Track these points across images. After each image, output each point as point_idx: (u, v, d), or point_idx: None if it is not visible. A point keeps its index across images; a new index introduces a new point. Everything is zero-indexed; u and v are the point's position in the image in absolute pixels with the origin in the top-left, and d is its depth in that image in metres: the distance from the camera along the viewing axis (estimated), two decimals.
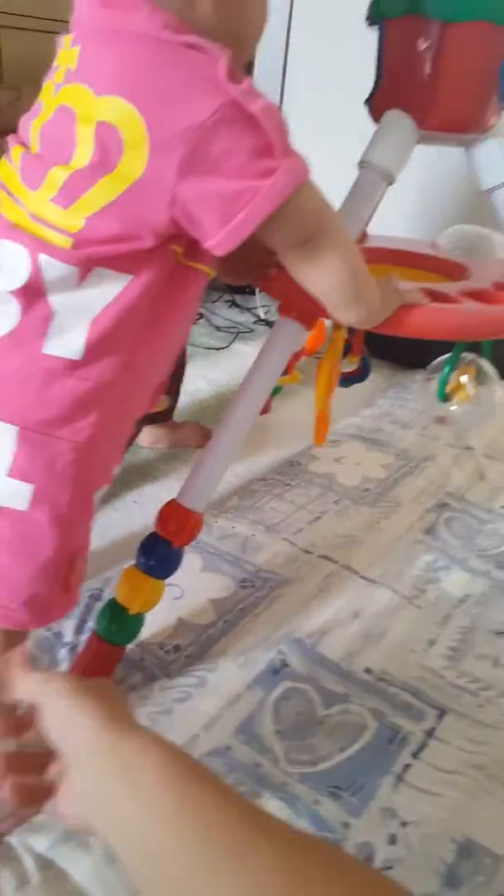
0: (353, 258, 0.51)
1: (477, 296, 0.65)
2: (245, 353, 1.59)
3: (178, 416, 1.16)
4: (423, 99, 0.63)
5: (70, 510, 0.49)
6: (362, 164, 0.64)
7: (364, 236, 0.87)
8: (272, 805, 0.58)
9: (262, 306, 1.83)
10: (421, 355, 1.44)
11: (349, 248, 0.51)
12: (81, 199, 0.43)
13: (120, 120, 0.42)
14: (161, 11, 0.42)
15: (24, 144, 0.47)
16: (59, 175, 0.44)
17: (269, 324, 1.78)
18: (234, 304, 1.87)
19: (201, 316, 1.75)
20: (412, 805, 0.60)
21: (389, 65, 0.64)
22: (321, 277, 0.50)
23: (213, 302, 1.87)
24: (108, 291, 0.45)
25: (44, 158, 0.45)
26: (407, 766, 0.63)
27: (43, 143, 0.46)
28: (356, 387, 1.04)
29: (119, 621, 0.66)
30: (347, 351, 0.91)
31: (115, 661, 0.68)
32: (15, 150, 0.47)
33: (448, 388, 0.84)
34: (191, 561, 0.87)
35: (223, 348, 1.59)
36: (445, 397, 0.84)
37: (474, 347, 0.84)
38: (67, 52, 0.45)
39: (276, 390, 1.19)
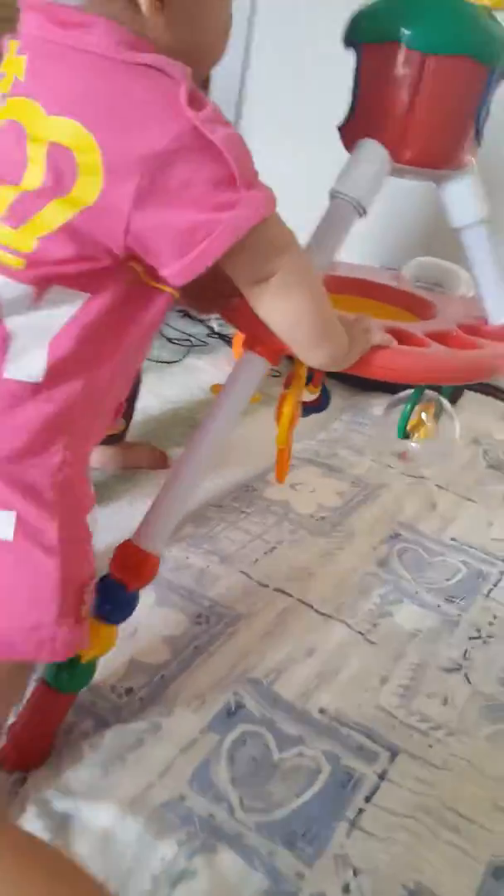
0: (319, 298, 0.51)
1: (443, 338, 0.66)
2: (198, 367, 1.57)
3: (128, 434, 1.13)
4: (398, 131, 0.62)
5: (63, 537, 0.47)
6: (334, 195, 0.64)
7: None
8: (227, 858, 0.58)
9: (217, 318, 1.81)
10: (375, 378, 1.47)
11: (315, 288, 0.51)
12: (32, 221, 0.42)
13: (74, 143, 0.41)
14: (116, 29, 0.41)
15: None
16: (7, 194, 0.43)
17: (224, 337, 1.76)
18: (186, 314, 1.84)
19: None
20: (365, 851, 0.60)
21: (365, 92, 0.63)
22: (285, 316, 0.50)
23: None
24: (65, 311, 0.44)
25: None
26: (360, 811, 0.64)
27: None
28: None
29: (70, 669, 0.64)
30: (309, 380, 0.91)
31: (65, 709, 0.66)
32: None
33: (409, 426, 0.85)
34: (144, 595, 0.85)
35: (175, 362, 1.57)
36: (406, 434, 0.86)
37: (435, 385, 0.86)
38: (13, 59, 0.44)
39: None
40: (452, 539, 1.06)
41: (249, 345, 0.66)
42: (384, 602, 0.90)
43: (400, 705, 0.75)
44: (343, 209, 0.63)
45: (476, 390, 1.60)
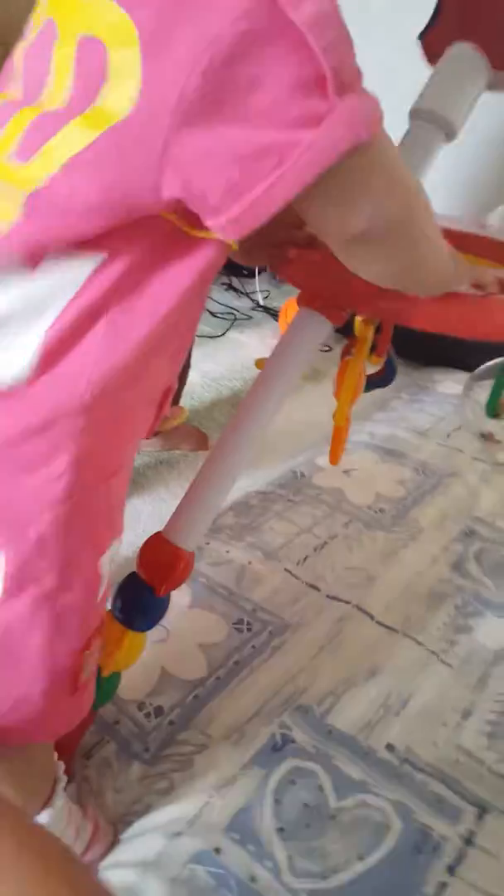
0: (434, 230, 0.37)
1: None
2: (241, 342, 1.45)
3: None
4: (499, 29, 0.49)
5: (62, 586, 0.35)
6: (417, 114, 0.50)
7: None
8: None
9: (262, 291, 1.68)
10: (439, 350, 1.31)
11: (431, 221, 0.37)
12: (42, 151, 0.29)
13: (108, 33, 0.28)
14: None
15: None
16: (23, 119, 0.30)
17: (270, 310, 1.63)
18: (230, 287, 1.72)
19: None
20: None
21: None
22: (399, 251, 0.36)
23: None
24: (71, 280, 0.31)
25: (17, 102, 0.32)
26: (443, 886, 0.50)
27: (25, 79, 0.32)
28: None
29: None
30: (372, 349, 0.77)
31: (84, 728, 0.55)
32: None
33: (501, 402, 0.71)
34: (179, 594, 0.73)
35: (218, 336, 1.45)
36: (496, 413, 0.71)
37: None
38: None
39: None
40: None
41: (307, 301, 0.52)
42: (461, 614, 0.76)
43: (488, 747, 0.61)
44: (427, 133, 0.50)
45: None
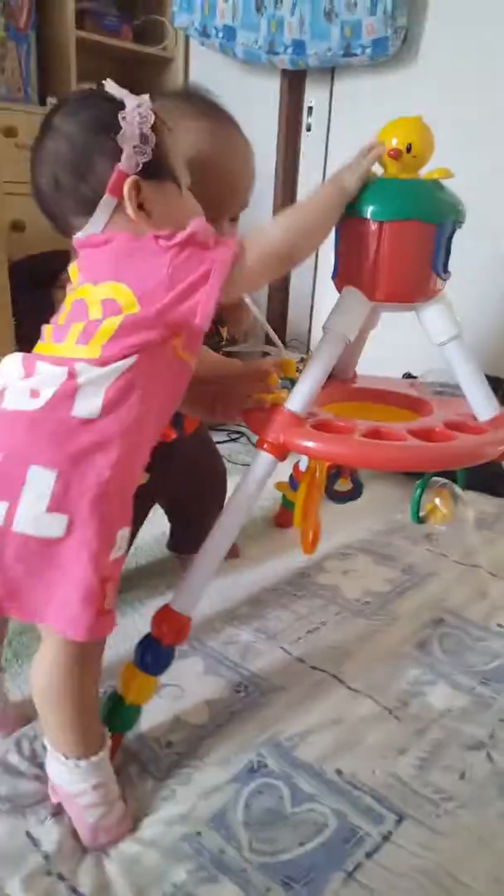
0: (309, 212, 0.72)
1: (425, 433, 0.77)
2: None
3: None
4: (370, 278, 0.78)
5: (96, 540, 0.62)
6: (325, 329, 0.81)
7: (354, 376, 1.03)
8: (228, 890, 0.66)
9: None
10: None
11: (307, 221, 0.72)
12: (96, 335, 0.64)
13: (114, 293, 0.65)
14: (126, 233, 0.67)
15: (53, 324, 0.70)
16: (79, 326, 0.66)
17: None
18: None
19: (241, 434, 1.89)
20: None
21: (343, 252, 0.81)
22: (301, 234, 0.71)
23: None
24: (118, 369, 0.64)
25: (65, 327, 0.67)
26: (359, 865, 0.69)
27: (67, 320, 0.68)
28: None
29: (114, 711, 0.78)
30: (339, 475, 1.03)
31: (115, 746, 0.79)
32: (47, 329, 0.69)
33: (423, 512, 0.94)
34: (195, 663, 0.98)
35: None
36: (420, 519, 0.95)
37: (447, 472, 0.95)
38: (73, 270, 0.71)
39: (287, 504, 1.32)
40: (499, 625, 1.08)
41: (259, 444, 0.81)
42: (417, 682, 0.95)
43: (416, 776, 0.80)
44: (331, 339, 0.80)
45: None
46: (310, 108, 1.92)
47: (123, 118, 0.64)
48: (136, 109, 0.65)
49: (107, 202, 0.66)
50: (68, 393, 0.62)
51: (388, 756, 0.82)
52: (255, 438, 0.82)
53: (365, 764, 0.81)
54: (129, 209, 0.66)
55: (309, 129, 1.93)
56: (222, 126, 0.87)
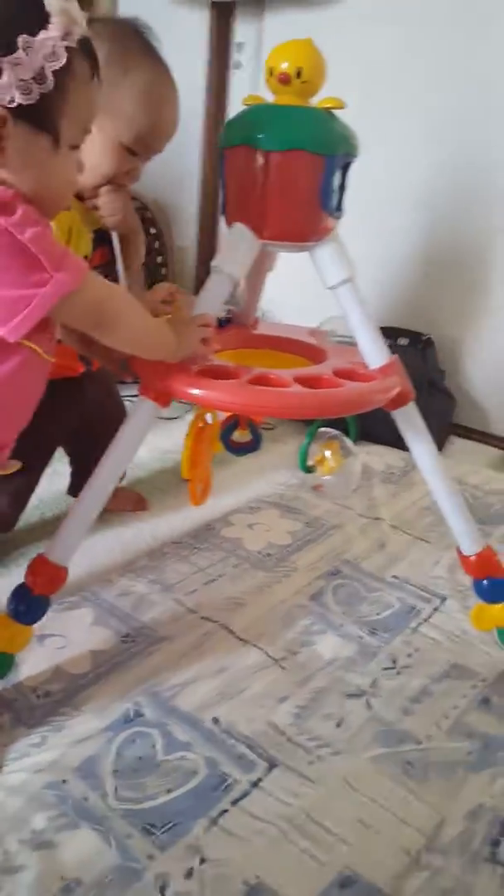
0: (142, 325, 0.67)
1: (306, 380, 0.75)
2: None
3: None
4: (257, 215, 0.74)
5: None
6: (214, 269, 0.76)
7: (255, 322, 0.99)
8: (87, 836, 0.65)
9: None
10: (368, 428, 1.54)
11: (137, 320, 0.66)
12: None
13: None
14: None
15: None
16: None
17: None
18: None
19: None
20: (218, 847, 0.65)
21: (229, 186, 0.76)
22: (123, 343, 0.67)
23: None
24: None
25: None
26: (224, 812, 0.69)
27: None
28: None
29: None
30: (236, 426, 1.01)
31: None
32: None
33: (311, 461, 0.93)
34: (84, 615, 0.95)
35: (175, 418, 1.70)
36: (308, 469, 0.94)
37: (336, 423, 0.94)
38: None
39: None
40: (394, 577, 1.10)
41: (143, 391, 0.77)
42: (306, 632, 0.96)
43: (292, 724, 0.80)
44: (218, 279, 0.76)
45: (468, 438, 1.65)
46: (239, 45, 1.83)
47: (29, 46, 0.51)
48: (53, 41, 0.52)
49: None
50: None
51: (266, 705, 0.82)
52: None
53: (243, 713, 0.81)
54: None
55: (238, 67, 1.84)
56: (160, 77, 0.83)
